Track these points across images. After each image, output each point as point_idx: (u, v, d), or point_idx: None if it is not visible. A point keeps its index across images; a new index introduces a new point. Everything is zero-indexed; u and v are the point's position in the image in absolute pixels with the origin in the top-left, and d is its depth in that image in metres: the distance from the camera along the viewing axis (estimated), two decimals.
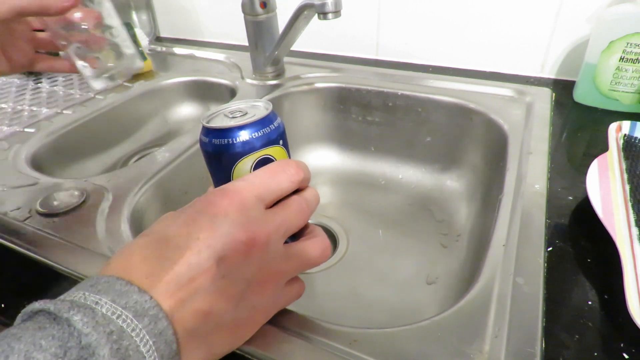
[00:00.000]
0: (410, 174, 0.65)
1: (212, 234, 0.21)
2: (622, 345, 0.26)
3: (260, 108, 0.28)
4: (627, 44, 0.51)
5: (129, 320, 0.18)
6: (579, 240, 0.34)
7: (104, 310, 0.18)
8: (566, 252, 0.33)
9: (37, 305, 0.18)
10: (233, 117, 0.27)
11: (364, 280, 0.51)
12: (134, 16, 0.88)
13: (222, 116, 0.27)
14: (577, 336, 0.27)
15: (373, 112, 0.65)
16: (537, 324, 0.27)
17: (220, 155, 0.25)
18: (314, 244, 0.26)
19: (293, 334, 0.27)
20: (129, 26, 0.74)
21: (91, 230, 0.37)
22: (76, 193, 0.41)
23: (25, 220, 0.38)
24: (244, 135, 0.25)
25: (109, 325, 0.18)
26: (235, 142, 0.25)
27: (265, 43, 0.64)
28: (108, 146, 0.64)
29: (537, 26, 0.62)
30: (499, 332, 0.27)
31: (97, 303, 0.18)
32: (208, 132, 0.26)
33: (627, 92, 0.54)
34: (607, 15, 0.52)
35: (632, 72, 0.52)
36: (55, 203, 0.40)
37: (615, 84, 0.54)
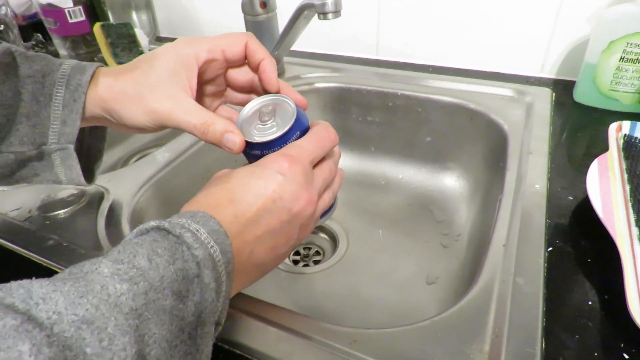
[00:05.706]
0: (410, 174, 0.65)
1: (282, 189, 0.26)
2: (622, 345, 0.26)
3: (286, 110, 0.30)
4: (627, 44, 0.51)
5: (216, 253, 0.22)
6: (579, 240, 0.34)
7: (202, 238, 0.22)
8: (566, 252, 0.33)
9: (152, 223, 0.23)
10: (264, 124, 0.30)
11: (364, 280, 0.51)
12: (134, 16, 0.88)
13: (256, 121, 0.30)
14: (577, 336, 0.27)
15: (373, 112, 0.65)
16: (537, 324, 0.27)
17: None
18: (327, 194, 0.32)
19: (293, 333, 0.27)
20: (128, 26, 0.74)
21: (91, 230, 0.37)
22: (76, 193, 0.41)
23: (25, 220, 0.38)
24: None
25: (208, 249, 0.22)
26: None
27: (265, 43, 0.63)
28: (108, 146, 0.64)
29: (537, 26, 0.62)
30: (499, 332, 0.27)
31: (197, 230, 0.22)
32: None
33: (627, 92, 0.54)
34: (607, 15, 0.52)
35: (632, 72, 0.52)
36: (55, 203, 0.40)
37: (615, 84, 0.54)
